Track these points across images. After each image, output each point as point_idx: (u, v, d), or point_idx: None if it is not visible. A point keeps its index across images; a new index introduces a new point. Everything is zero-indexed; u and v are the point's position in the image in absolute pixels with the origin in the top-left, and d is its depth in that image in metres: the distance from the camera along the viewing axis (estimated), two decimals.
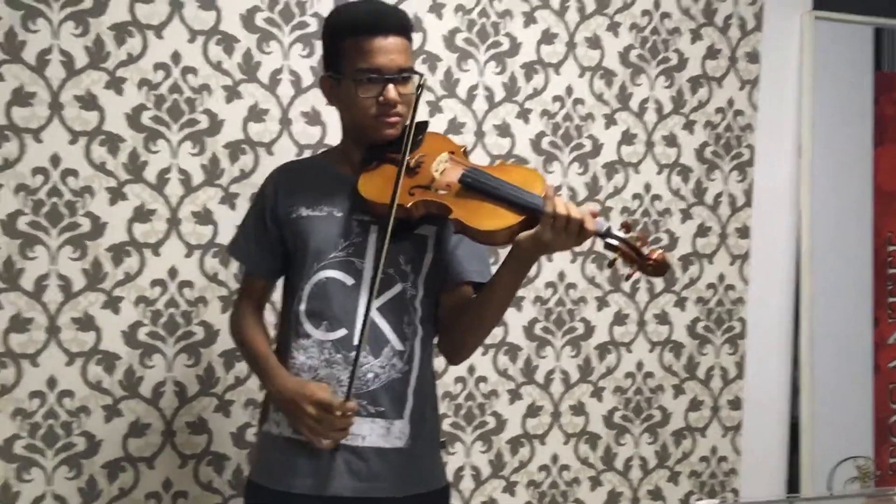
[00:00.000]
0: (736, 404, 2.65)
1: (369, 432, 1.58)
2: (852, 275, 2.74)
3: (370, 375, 1.58)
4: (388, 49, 1.56)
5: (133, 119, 2.05)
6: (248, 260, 1.73)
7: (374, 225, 1.60)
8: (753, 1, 2.61)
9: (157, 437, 2.09)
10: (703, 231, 2.60)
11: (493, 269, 1.65)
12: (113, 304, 2.05)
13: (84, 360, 2.04)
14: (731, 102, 2.61)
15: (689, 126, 2.57)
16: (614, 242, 1.47)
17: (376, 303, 1.59)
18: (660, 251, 1.46)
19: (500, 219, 1.51)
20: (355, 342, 1.55)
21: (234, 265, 2.12)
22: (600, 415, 2.51)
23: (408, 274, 1.62)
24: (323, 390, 1.53)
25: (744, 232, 2.65)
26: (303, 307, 1.60)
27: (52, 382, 2.02)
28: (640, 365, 2.55)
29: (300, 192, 1.65)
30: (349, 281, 1.59)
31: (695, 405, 2.61)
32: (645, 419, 2.56)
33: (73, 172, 2.01)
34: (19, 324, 1.99)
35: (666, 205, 2.56)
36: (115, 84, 2.03)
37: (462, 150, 1.66)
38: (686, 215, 2.58)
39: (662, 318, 2.57)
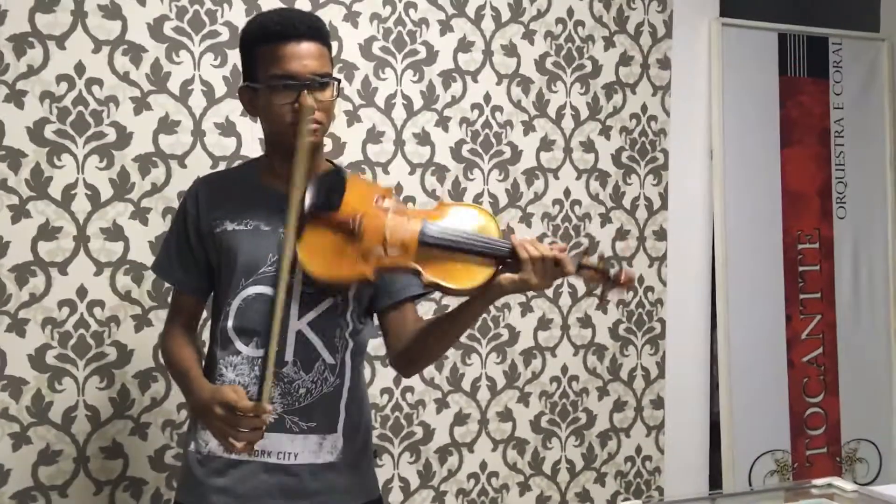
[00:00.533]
0: (658, 403, 2.70)
1: (301, 449, 1.54)
2: (765, 273, 2.83)
3: (302, 391, 1.55)
4: (301, 54, 1.53)
5: (35, 133, 1.96)
6: (173, 278, 1.67)
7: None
8: (663, 8, 2.67)
9: (69, 464, 2.00)
10: (622, 234, 2.65)
11: None
12: (18, 326, 1.96)
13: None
14: (644, 108, 2.66)
15: (605, 132, 2.61)
16: (587, 273, 1.53)
17: (307, 318, 1.56)
18: (624, 272, 1.53)
19: (476, 274, 1.48)
20: (286, 357, 1.52)
21: (147, 282, 2.05)
22: (527, 420, 2.52)
23: (338, 287, 1.59)
24: (232, 392, 1.46)
25: (661, 234, 2.70)
26: (230, 324, 1.56)
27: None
28: (564, 368, 2.57)
29: (224, 205, 1.60)
30: None
31: (619, 406, 2.65)
32: (571, 422, 2.58)
33: None
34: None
35: (586, 209, 2.59)
36: (16, 97, 1.94)
37: (391, 192, 1.58)
38: (605, 219, 2.62)
39: (585, 322, 2.60)
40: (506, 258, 1.49)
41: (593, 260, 1.54)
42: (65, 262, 1.99)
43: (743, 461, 2.78)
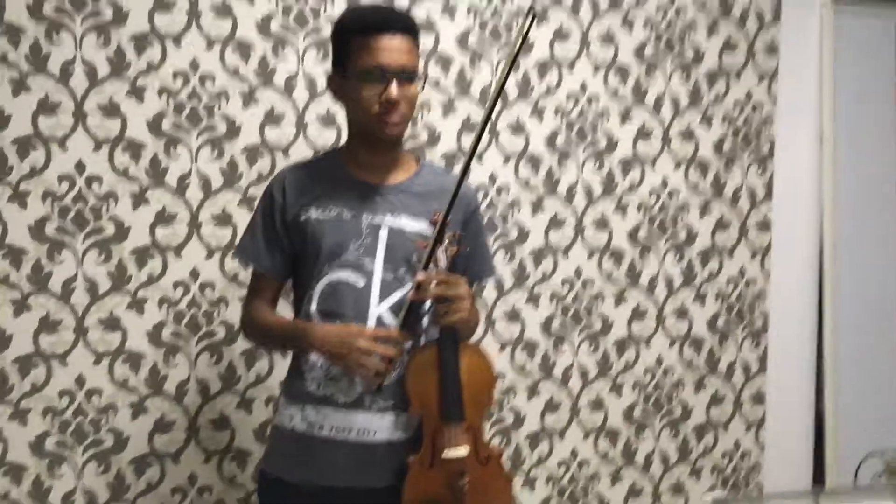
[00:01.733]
0: (758, 399, 2.64)
1: (379, 427, 1.62)
2: (877, 265, 2.70)
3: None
4: (392, 48, 1.59)
5: (154, 126, 2.12)
6: (258, 260, 1.73)
7: (384, 227, 1.65)
8: None
9: (181, 434, 2.16)
10: (722, 225, 2.59)
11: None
12: (138, 305, 2.12)
13: (110, 360, 2.11)
14: (749, 96, 2.59)
15: (706, 120, 2.56)
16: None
17: (387, 302, 1.63)
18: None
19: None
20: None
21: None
22: (620, 410, 2.52)
23: (416, 273, 1.65)
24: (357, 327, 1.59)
25: (764, 225, 2.63)
26: (314, 307, 1.64)
27: (80, 381, 2.09)
28: (659, 360, 2.55)
29: (308, 193, 1.69)
30: (360, 282, 1.63)
31: (716, 400, 2.61)
32: (665, 414, 2.56)
33: (98, 179, 2.08)
34: (49, 325, 2.07)
35: (684, 200, 2.55)
36: (137, 92, 2.10)
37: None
38: (705, 210, 2.58)
39: (682, 314, 2.57)
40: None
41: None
42: (179, 246, 2.14)
43: (849, 461, 2.66)
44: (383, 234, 1.65)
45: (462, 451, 1.59)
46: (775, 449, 2.67)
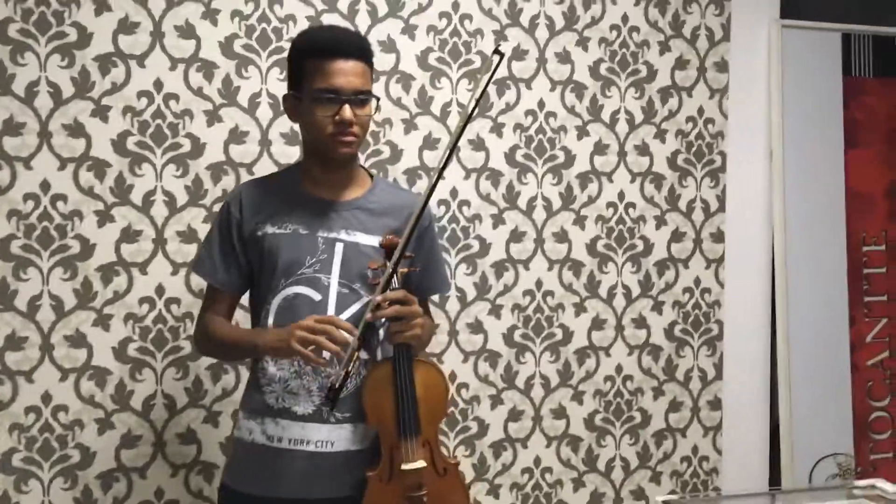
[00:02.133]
0: (715, 405, 2.72)
1: (338, 438, 1.67)
2: (827, 275, 2.80)
3: (337, 385, 1.66)
4: (346, 71, 1.65)
5: (118, 144, 2.15)
6: (213, 276, 1.76)
7: (339, 243, 1.69)
8: (721, 12, 2.69)
9: (148, 448, 2.19)
10: (677, 236, 2.68)
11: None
12: (103, 321, 2.15)
13: (77, 376, 2.13)
14: (701, 111, 2.68)
15: (660, 135, 2.64)
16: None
17: (343, 316, 1.68)
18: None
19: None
20: (325, 354, 1.63)
21: None
22: (581, 418, 2.58)
23: (372, 287, 1.71)
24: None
25: (718, 236, 2.72)
26: (271, 321, 1.69)
27: (46, 398, 2.11)
28: (619, 368, 2.62)
29: (265, 209, 1.73)
30: (316, 296, 1.68)
31: (675, 406, 2.68)
32: (626, 420, 2.63)
33: (63, 197, 2.11)
34: (15, 342, 2.09)
35: (640, 212, 2.63)
36: (101, 112, 2.13)
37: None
38: (660, 221, 2.66)
39: (640, 323, 2.64)
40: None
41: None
42: (144, 262, 2.17)
43: (803, 464, 2.76)
44: (339, 250, 1.70)
45: (419, 463, 1.64)
46: (732, 453, 2.75)
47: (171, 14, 2.18)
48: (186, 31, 2.19)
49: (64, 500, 2.12)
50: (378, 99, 1.69)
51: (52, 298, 2.11)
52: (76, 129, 2.11)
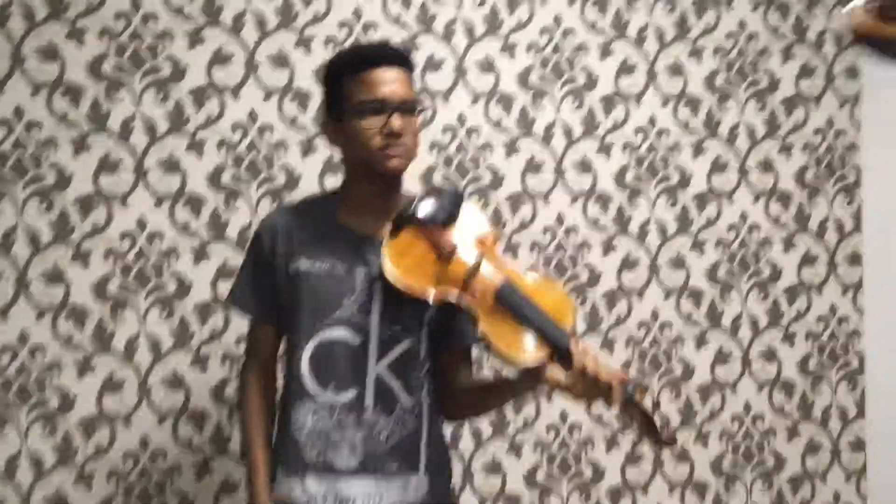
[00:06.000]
0: (858, 446, 2.44)
1: (386, 491, 1.52)
2: None
3: (383, 435, 1.53)
4: (389, 80, 1.53)
5: (213, 177, 2.09)
6: (252, 308, 1.63)
7: (380, 283, 1.54)
8: None
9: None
10: (808, 260, 2.43)
11: None
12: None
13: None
14: (830, 122, 2.45)
15: (785, 149, 2.42)
16: (632, 412, 1.45)
17: (384, 361, 1.54)
18: (669, 432, 1.44)
19: (526, 351, 1.47)
20: (367, 402, 1.51)
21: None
22: (706, 462, 2.35)
23: (413, 328, 1.56)
24: None
25: (855, 259, 2.46)
26: (306, 368, 1.54)
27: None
28: (747, 406, 2.38)
29: (299, 240, 1.58)
30: (356, 340, 1.53)
31: (812, 449, 2.42)
32: (757, 465, 2.38)
33: (160, 235, 2.06)
34: None
35: (765, 234, 2.41)
36: (197, 147, 2.09)
37: (494, 238, 1.59)
38: (788, 244, 2.42)
39: (769, 356, 2.40)
40: (561, 354, 1.46)
41: (646, 403, 1.44)
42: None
43: None
44: (379, 289, 1.54)
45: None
46: (878, 500, 2.46)
47: (265, 44, 2.12)
48: (279, 61, 2.13)
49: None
50: (425, 107, 1.55)
51: (147, 338, 2.05)
52: (171, 165, 2.07)
